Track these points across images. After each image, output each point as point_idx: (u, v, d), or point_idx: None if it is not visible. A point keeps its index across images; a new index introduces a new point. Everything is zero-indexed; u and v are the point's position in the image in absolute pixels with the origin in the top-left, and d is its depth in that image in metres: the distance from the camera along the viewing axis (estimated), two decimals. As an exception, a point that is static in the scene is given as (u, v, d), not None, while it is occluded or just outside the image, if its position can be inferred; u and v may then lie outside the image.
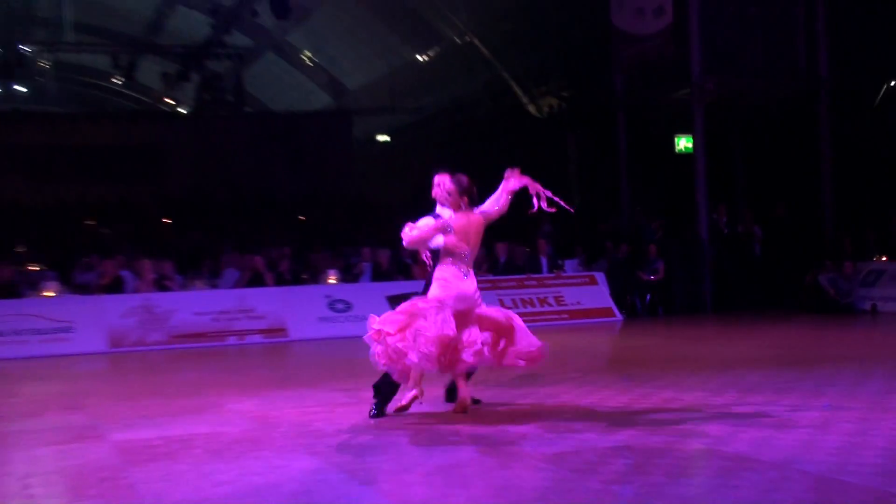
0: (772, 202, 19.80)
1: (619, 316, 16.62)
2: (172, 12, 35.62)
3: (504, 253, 17.37)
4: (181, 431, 7.29)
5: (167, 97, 38.15)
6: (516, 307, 16.24)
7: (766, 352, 11.64)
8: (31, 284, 15.47)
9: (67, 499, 5.43)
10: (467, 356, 7.13)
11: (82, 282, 15.78)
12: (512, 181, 7.85)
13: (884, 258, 16.81)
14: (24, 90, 40.16)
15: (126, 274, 15.56)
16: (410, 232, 7.41)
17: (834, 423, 6.60)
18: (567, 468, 5.60)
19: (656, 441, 6.30)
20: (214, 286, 15.95)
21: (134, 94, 42.26)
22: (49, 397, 9.97)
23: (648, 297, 17.45)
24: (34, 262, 17.63)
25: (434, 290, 7.30)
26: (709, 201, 18.11)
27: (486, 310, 7.48)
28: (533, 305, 16.39)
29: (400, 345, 7.08)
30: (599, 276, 17.08)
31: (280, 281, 16.12)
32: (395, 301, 15.55)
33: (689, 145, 19.52)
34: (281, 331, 15.20)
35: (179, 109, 37.00)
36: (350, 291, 16.01)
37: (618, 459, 5.79)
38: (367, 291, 16.01)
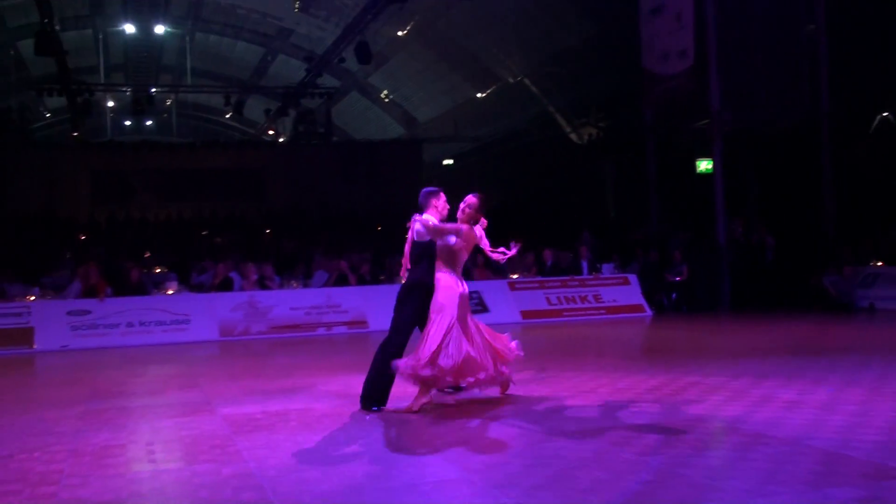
0: (781, 216, 19.51)
1: (648, 312, 16.37)
2: (274, 59, 36.18)
3: (550, 257, 17.23)
4: (279, 407, 7.29)
5: (269, 129, 38.62)
6: (561, 303, 16.14)
7: (777, 343, 11.38)
8: (156, 284, 15.65)
9: (185, 462, 5.44)
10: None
11: (198, 282, 15.94)
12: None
13: (879, 263, 16.41)
14: (152, 124, 40.97)
15: (234, 275, 15.68)
16: (433, 223, 6.97)
17: (838, 405, 6.42)
18: (606, 441, 5.49)
19: (683, 418, 6.16)
20: (307, 285, 15.99)
21: (241, 127, 42.93)
22: (169, 378, 10.06)
23: (674, 295, 17.18)
24: (158, 265, 17.86)
25: (443, 297, 6.91)
26: (726, 214, 17.86)
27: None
28: (575, 302, 16.21)
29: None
30: (632, 278, 16.84)
31: (361, 281, 16.12)
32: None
33: (709, 167, 19.26)
34: (362, 323, 15.20)
35: (279, 139, 37.39)
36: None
37: (649, 434, 5.68)
38: (434, 290, 15.94)
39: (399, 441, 5.81)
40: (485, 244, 7.45)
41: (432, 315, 6.88)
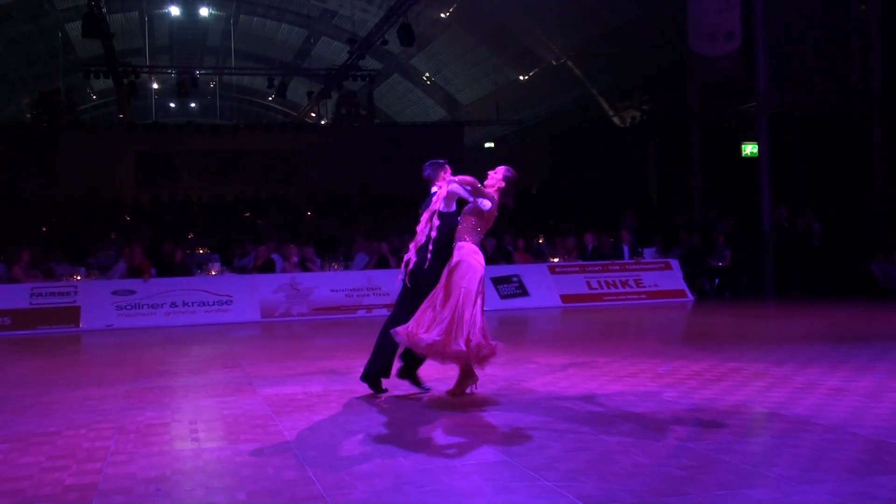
0: (828, 200, 19.21)
1: (690, 297, 16.24)
2: (317, 41, 36.28)
3: (592, 241, 17.15)
4: (320, 388, 7.35)
5: (311, 111, 38.79)
6: (601, 288, 16.07)
7: (822, 330, 11.23)
8: (200, 265, 15.83)
9: (227, 441, 5.51)
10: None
11: (240, 265, 16.09)
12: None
13: (929, 249, 16.14)
14: (196, 106, 41.35)
15: (276, 257, 15.82)
16: (476, 183, 6.61)
17: (884, 393, 6.33)
18: (646, 426, 5.47)
19: (725, 404, 6.11)
20: (347, 267, 16.09)
21: (284, 109, 43.17)
22: (212, 358, 10.17)
23: (717, 280, 17.01)
24: (202, 246, 18.06)
25: (474, 265, 6.53)
26: (771, 199, 17.62)
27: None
28: (616, 287, 16.13)
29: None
30: (674, 263, 16.71)
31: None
32: (498, 282, 15.58)
33: (755, 151, 19.02)
34: (402, 305, 15.24)
35: (321, 122, 37.55)
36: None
37: (691, 420, 5.65)
38: (475, 273, 15.94)
39: (437, 422, 5.83)
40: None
41: (470, 286, 6.45)
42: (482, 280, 6.60)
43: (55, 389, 7.75)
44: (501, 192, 6.86)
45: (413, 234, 7.01)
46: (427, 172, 7.06)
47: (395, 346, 6.68)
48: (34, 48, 34.30)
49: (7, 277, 14.58)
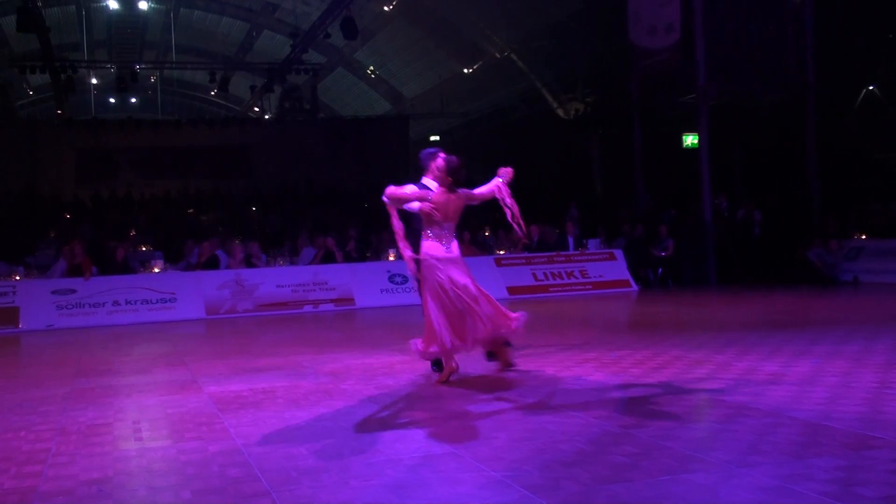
0: (766, 190, 19.59)
1: (634, 287, 16.45)
2: (259, 35, 35.92)
3: (536, 233, 17.26)
4: (265, 384, 7.30)
5: (255, 105, 38.42)
6: (547, 279, 16.19)
7: (761, 317, 11.47)
8: (142, 263, 15.61)
9: (171, 440, 5.45)
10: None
11: (186, 264, 15.88)
12: (502, 185, 7.32)
13: (863, 236, 16.53)
14: (136, 101, 40.69)
15: (220, 253, 15.66)
16: (394, 190, 6.93)
17: (820, 377, 6.48)
18: (591, 415, 5.53)
19: (666, 392, 6.21)
20: (293, 263, 15.99)
21: (227, 104, 42.69)
22: (156, 356, 10.04)
23: (660, 270, 17.26)
24: (144, 244, 17.81)
25: (424, 268, 6.95)
26: (712, 189, 17.90)
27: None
28: (562, 278, 16.27)
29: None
30: (618, 253, 16.91)
31: (348, 258, 16.13)
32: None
33: (695, 141, 19.29)
34: (349, 300, 15.22)
35: (265, 116, 37.21)
36: (406, 267, 15.94)
37: (633, 407, 5.73)
38: (422, 267, 15.98)
39: (384, 416, 5.84)
40: (477, 192, 7.30)
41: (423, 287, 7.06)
42: (435, 275, 6.92)
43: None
44: (441, 181, 7.07)
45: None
46: (422, 162, 7.38)
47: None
48: (-33, 43, 33.45)
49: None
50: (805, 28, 18.35)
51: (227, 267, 15.38)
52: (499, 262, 16.29)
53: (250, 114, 39.04)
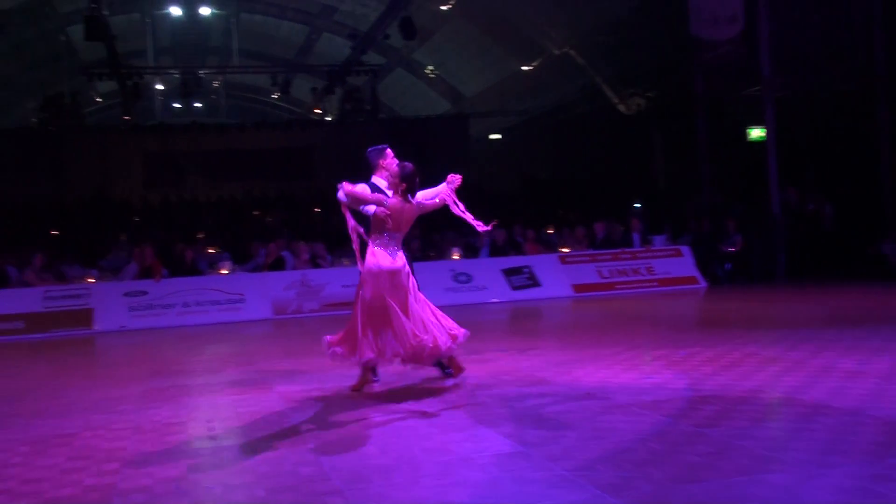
0: (836, 182, 19.13)
1: (702, 283, 16.21)
2: (319, 38, 36.24)
3: (601, 230, 17.13)
4: (334, 384, 7.36)
5: (316, 108, 38.78)
6: (613, 276, 16.05)
7: (834, 313, 11.21)
8: (210, 264, 15.86)
9: (243, 438, 5.53)
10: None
11: (254, 266, 16.07)
12: (448, 192, 7.06)
13: (940, 229, 16.09)
14: (201, 106, 41.39)
15: (286, 254, 15.84)
16: (352, 188, 6.70)
17: (900, 374, 6.32)
18: (662, 413, 5.47)
19: (740, 390, 6.10)
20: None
21: (288, 106, 43.16)
22: (226, 356, 10.22)
23: (728, 266, 16.97)
24: (212, 245, 18.08)
25: (367, 274, 6.83)
26: (780, 182, 17.56)
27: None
28: (627, 275, 16.11)
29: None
30: (685, 249, 16.68)
31: (412, 257, 16.16)
32: (509, 273, 15.60)
33: (762, 134, 18.94)
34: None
35: (326, 118, 37.54)
36: (470, 265, 15.96)
37: (706, 406, 5.64)
38: (485, 265, 15.97)
39: (453, 415, 5.84)
40: (430, 201, 7.06)
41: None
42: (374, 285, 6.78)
43: (71, 391, 7.79)
44: (395, 187, 6.88)
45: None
46: (369, 160, 7.11)
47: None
48: (37, 52, 34.30)
49: (20, 281, 14.63)
50: (873, 14, 17.87)
51: (294, 268, 15.54)
52: (563, 259, 16.20)
53: (312, 116, 39.37)
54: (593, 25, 28.24)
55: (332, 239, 18.19)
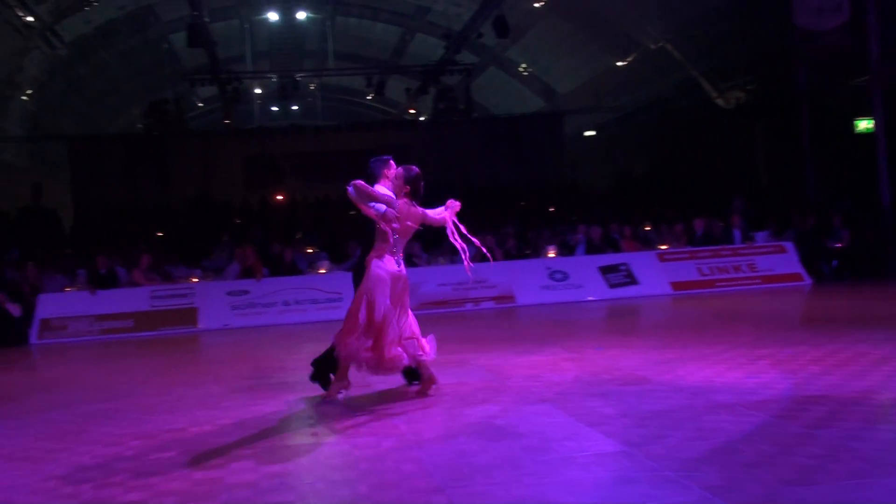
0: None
1: (807, 280, 15.70)
2: (412, 39, 36.50)
3: (701, 227, 16.77)
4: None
5: (410, 108, 39.08)
6: (713, 274, 15.70)
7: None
8: (309, 264, 16.13)
9: (345, 436, 5.61)
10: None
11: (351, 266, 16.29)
12: (448, 214, 7.10)
13: None
14: (297, 108, 42.18)
15: (382, 254, 15.96)
16: (365, 185, 6.60)
17: None
18: (768, 414, 5.32)
19: (851, 390, 5.89)
20: (453, 262, 16.13)
21: (382, 107, 43.58)
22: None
23: (835, 262, 16.39)
24: (310, 245, 18.39)
25: (372, 276, 6.74)
26: (890, 176, 16.89)
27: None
28: (728, 272, 15.72)
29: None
30: (788, 246, 16.19)
31: (507, 256, 16.15)
32: (606, 271, 15.42)
33: (870, 126, 18.26)
34: (509, 297, 15.23)
35: (420, 118, 37.79)
36: (567, 263, 15.83)
37: (815, 407, 5.46)
38: (582, 263, 15.81)
39: (555, 415, 5.79)
40: (434, 216, 7.09)
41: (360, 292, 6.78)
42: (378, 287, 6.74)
43: (179, 388, 8.02)
44: (399, 189, 6.81)
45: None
46: (371, 169, 6.95)
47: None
48: (142, 60, 35.53)
49: (128, 281, 15.16)
50: None
51: (390, 267, 15.65)
52: (662, 256, 15.91)
53: (406, 116, 39.71)
54: (689, 18, 27.67)
55: (428, 238, 18.30)
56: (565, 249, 16.49)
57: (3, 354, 12.67)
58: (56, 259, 16.81)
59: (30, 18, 27.88)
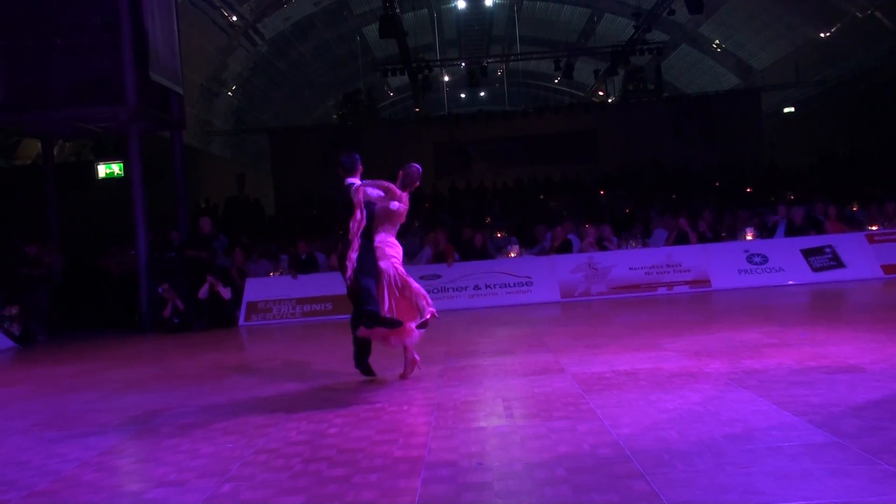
0: None
1: None
2: (600, 19, 36.02)
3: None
4: (627, 367, 7.27)
5: (599, 90, 38.60)
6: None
7: None
8: (499, 248, 16.25)
9: (540, 419, 5.59)
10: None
11: (539, 249, 16.29)
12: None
13: None
14: (485, 94, 42.58)
15: (573, 237, 15.89)
16: (388, 184, 7.29)
17: None
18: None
19: None
20: (645, 245, 15.82)
21: (571, 90, 43.31)
22: (518, 337, 10.40)
23: None
24: (500, 230, 18.53)
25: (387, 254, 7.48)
26: None
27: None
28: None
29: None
30: None
31: (702, 239, 15.66)
32: (809, 254, 14.65)
33: None
34: (705, 282, 14.77)
35: (609, 100, 37.24)
36: (766, 246, 15.15)
37: None
38: (782, 246, 15.09)
39: (755, 401, 5.55)
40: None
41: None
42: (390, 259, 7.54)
43: (375, 368, 8.25)
44: (405, 185, 7.60)
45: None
46: (349, 164, 7.54)
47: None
48: (336, 53, 36.93)
49: (327, 266, 15.79)
50: None
51: (580, 251, 15.56)
52: (871, 238, 14.94)
53: (594, 98, 39.26)
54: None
55: (619, 221, 18.04)
56: (764, 231, 15.81)
57: (216, 336, 13.53)
58: (260, 245, 17.74)
59: (234, 18, 29.58)
